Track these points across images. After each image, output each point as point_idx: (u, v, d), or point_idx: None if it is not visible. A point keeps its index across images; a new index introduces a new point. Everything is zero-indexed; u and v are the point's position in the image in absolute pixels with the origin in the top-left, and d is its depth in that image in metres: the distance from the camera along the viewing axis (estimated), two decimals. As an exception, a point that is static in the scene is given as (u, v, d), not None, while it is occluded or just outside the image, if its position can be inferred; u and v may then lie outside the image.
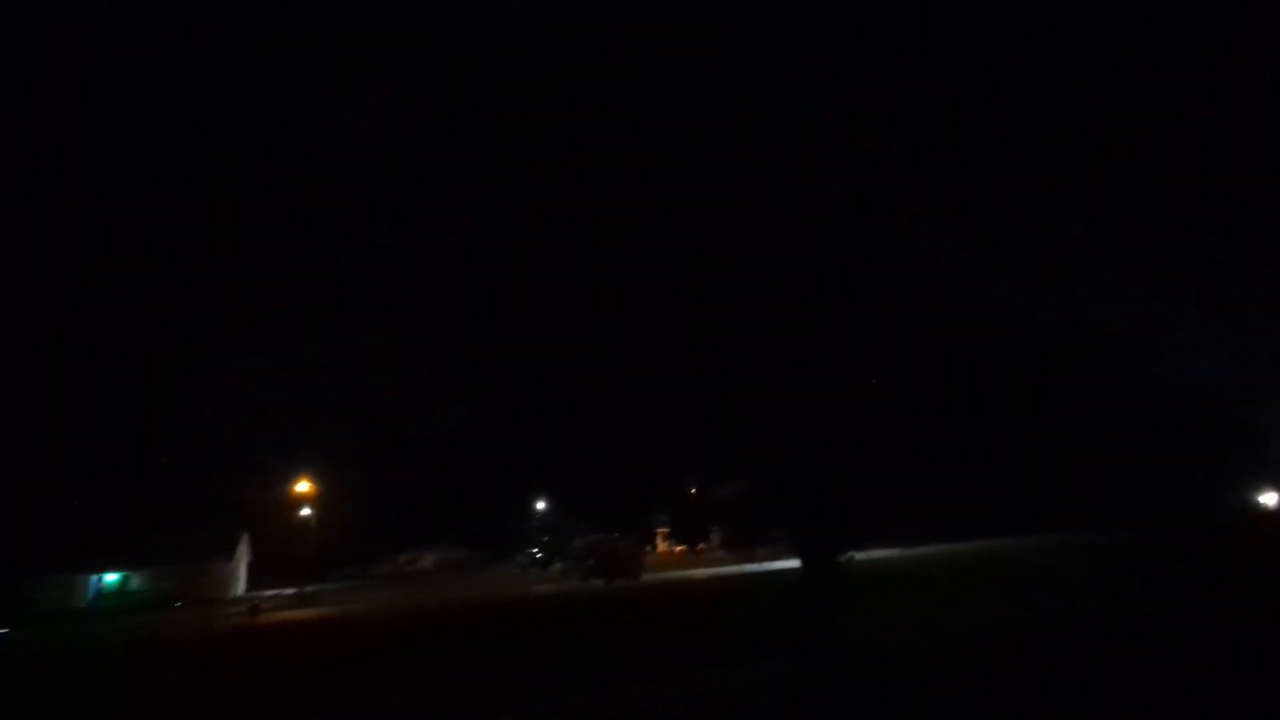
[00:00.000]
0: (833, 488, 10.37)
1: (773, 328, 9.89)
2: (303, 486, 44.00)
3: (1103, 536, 27.76)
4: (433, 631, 16.85)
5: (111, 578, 40.38)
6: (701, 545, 48.54)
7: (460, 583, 37.95)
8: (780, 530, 16.43)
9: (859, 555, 15.78)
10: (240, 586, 45.94)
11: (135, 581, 40.75)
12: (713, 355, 10.38)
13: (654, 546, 52.83)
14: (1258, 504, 41.92)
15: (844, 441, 10.06)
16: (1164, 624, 9.85)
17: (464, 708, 8.01)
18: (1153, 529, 28.92)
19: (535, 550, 44.25)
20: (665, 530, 55.44)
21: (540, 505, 56.38)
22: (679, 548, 52.20)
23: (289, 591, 39.54)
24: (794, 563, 17.92)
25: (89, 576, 39.85)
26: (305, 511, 43.84)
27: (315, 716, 8.57)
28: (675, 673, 8.91)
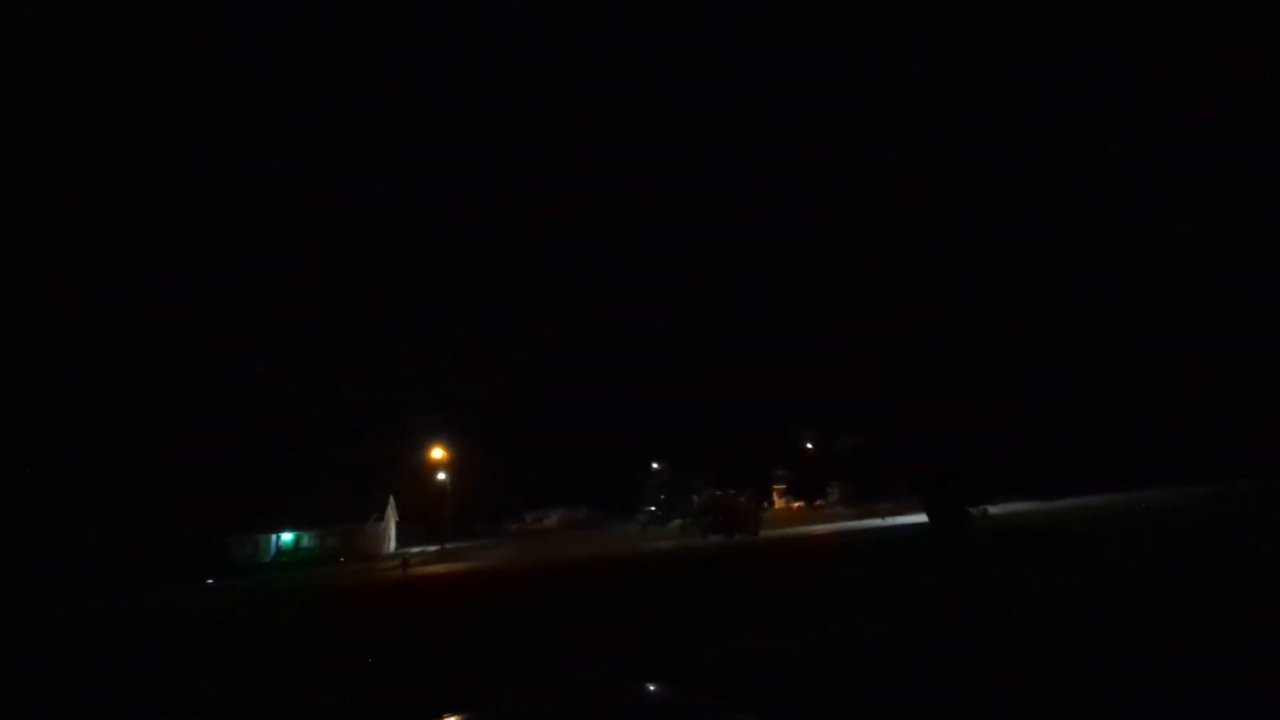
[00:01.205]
0: (962, 437, 9.83)
1: (888, 268, 9.43)
2: (438, 453, 47.80)
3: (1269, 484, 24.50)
4: (565, 584, 17.93)
5: (287, 537, 46.02)
6: (820, 501, 47.84)
7: (584, 540, 39.85)
8: (904, 484, 15.88)
9: (993, 509, 14.98)
10: (391, 544, 50.83)
11: (306, 540, 46.20)
12: (828, 300, 10.06)
13: (771, 503, 52.66)
14: None
15: (974, 386, 9.48)
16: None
17: (595, 654, 8.53)
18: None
19: (654, 507, 45.44)
20: (782, 486, 55.03)
21: (657, 464, 57.69)
22: (797, 503, 51.74)
23: (433, 548, 43.37)
24: (920, 518, 17.38)
25: (270, 536, 45.66)
26: (441, 476, 47.66)
27: (468, 656, 9.46)
28: (796, 625, 8.99)
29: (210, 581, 34.65)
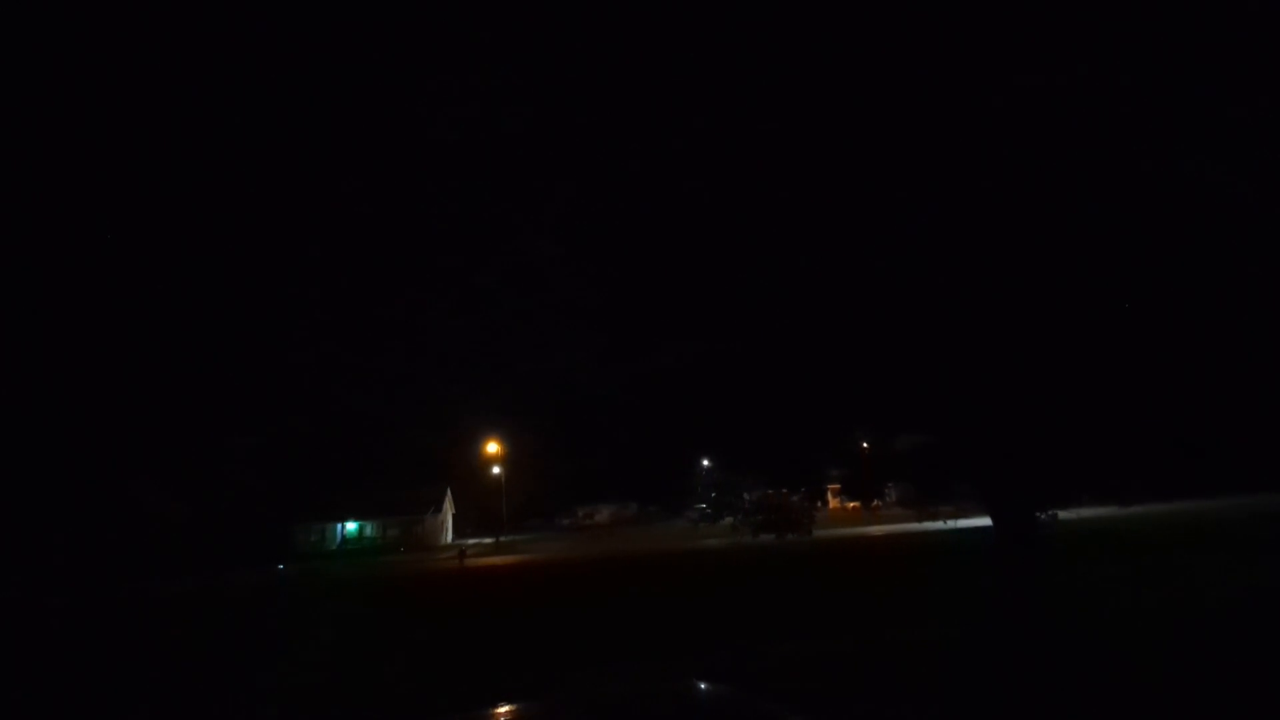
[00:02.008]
0: (1029, 435, 9.34)
1: (951, 249, 9.03)
2: (492, 448, 48.91)
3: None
4: (617, 579, 18.03)
5: (351, 526, 47.91)
6: (876, 502, 46.64)
7: (634, 536, 40.04)
8: (967, 485, 15.25)
9: (1064, 514, 14.20)
10: (448, 535, 52.27)
11: (369, 529, 47.99)
12: (887, 286, 9.70)
13: (825, 502, 51.67)
14: None
15: (1043, 381, 8.97)
16: None
17: (642, 651, 8.51)
18: None
19: (705, 505, 45.25)
20: (837, 486, 53.91)
21: (707, 461, 57.39)
22: (852, 504, 50.60)
23: (488, 540, 44.39)
24: (984, 521, 16.62)
25: (336, 525, 47.64)
26: (496, 470, 48.74)
27: (524, 647, 9.61)
28: (848, 629, 8.76)
29: (281, 567, 36.39)
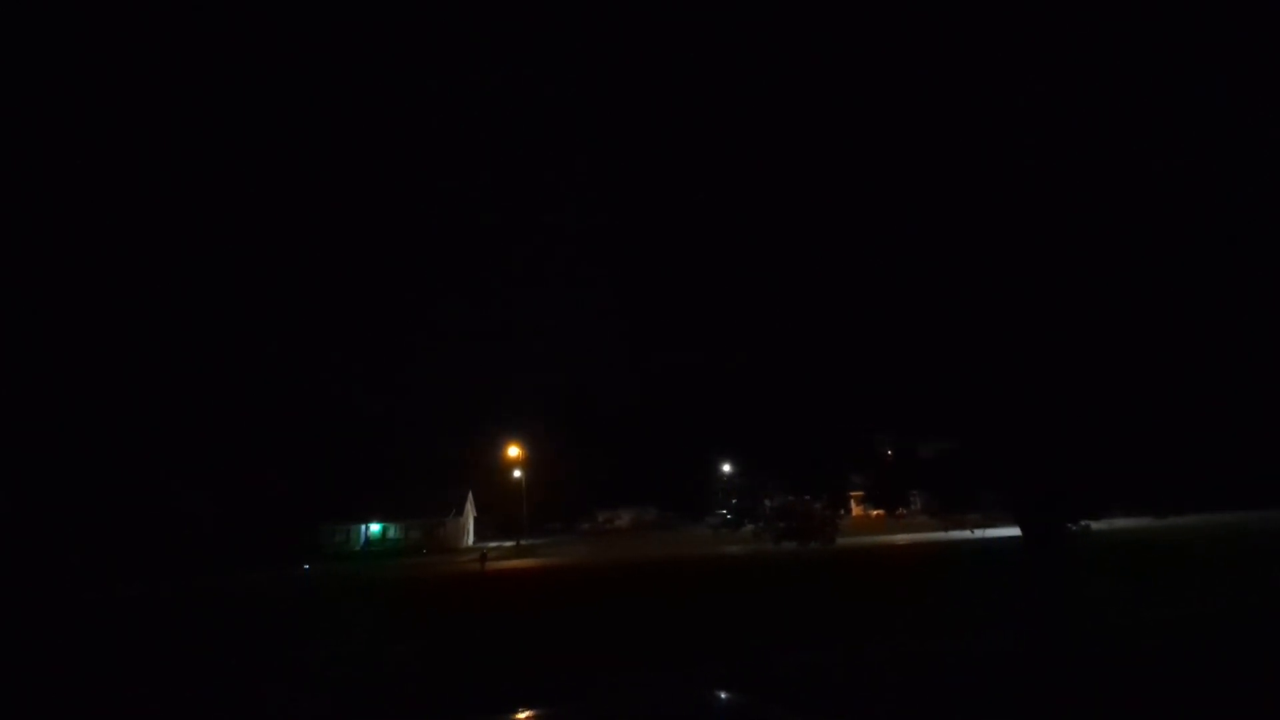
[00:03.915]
0: (1060, 443, 9.08)
1: (983, 257, 8.87)
2: (513, 451, 49.21)
3: None
4: (636, 585, 17.96)
5: (375, 528, 48.47)
6: (901, 510, 45.93)
7: (654, 541, 39.89)
8: (995, 494, 14.95)
9: (1095, 525, 13.85)
10: (469, 538, 52.60)
11: (392, 531, 48.50)
12: (913, 291, 9.56)
13: (849, 510, 51.04)
14: None
15: (1075, 388, 8.75)
16: None
17: (661, 658, 8.45)
18: None
19: (726, 511, 44.95)
20: (860, 493, 53.24)
21: (728, 467, 57.05)
22: (875, 512, 49.88)
23: (509, 544, 44.59)
24: (1013, 531, 16.29)
25: (360, 526, 48.23)
26: (517, 473, 49.00)
27: (543, 652, 9.60)
28: (868, 640, 8.59)
29: (306, 566, 36.91)
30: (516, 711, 2.51)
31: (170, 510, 37.16)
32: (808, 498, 31.05)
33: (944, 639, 8.45)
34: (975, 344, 9.03)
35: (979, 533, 25.91)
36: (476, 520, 55.04)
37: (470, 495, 53.57)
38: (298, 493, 44.37)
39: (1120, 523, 23.77)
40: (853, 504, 53.13)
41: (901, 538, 28.74)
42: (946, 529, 29.73)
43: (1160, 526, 23.96)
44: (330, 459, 47.77)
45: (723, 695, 2.67)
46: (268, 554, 37.43)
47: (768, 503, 33.03)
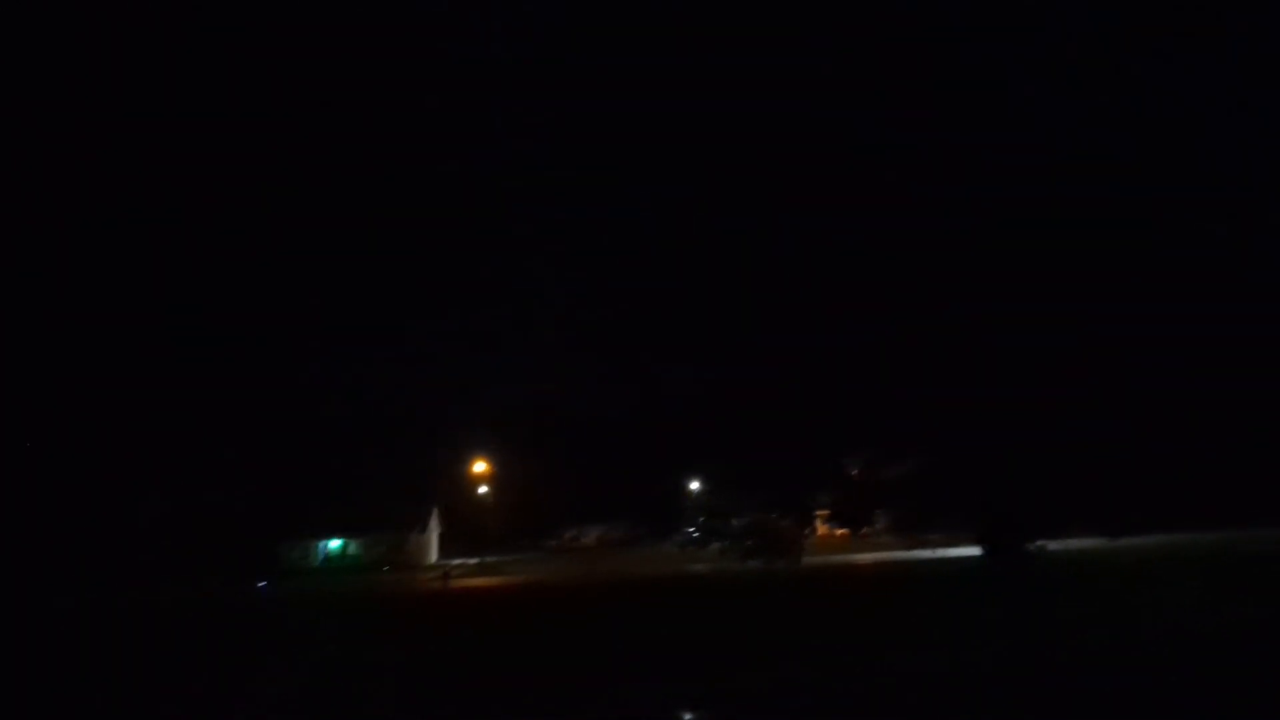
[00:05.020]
0: (1021, 466, 9.36)
1: (947, 292, 9.13)
2: (480, 467, 48.56)
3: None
4: (602, 604, 17.79)
5: (335, 543, 47.23)
6: (865, 529, 46.47)
7: (621, 559, 39.61)
8: (956, 514, 15.27)
9: (1052, 545, 14.25)
10: (433, 555, 51.53)
11: (352, 547, 47.31)
12: (884, 323, 9.79)
13: (814, 529, 51.41)
14: None
15: (1035, 415, 9.05)
16: None
17: (625, 678, 8.36)
18: None
19: (693, 529, 44.91)
20: (825, 512, 53.68)
21: (696, 485, 57.08)
22: (840, 531, 50.36)
23: (473, 561, 43.80)
24: (973, 550, 16.62)
25: (319, 541, 46.95)
26: (483, 490, 48.33)
27: (504, 673, 9.42)
28: (834, 658, 8.65)
29: (263, 583, 35.70)
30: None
31: (123, 522, 35.73)
32: (775, 516, 31.23)
33: (906, 657, 8.55)
34: (940, 373, 9.28)
35: (940, 552, 26.40)
36: (441, 536, 53.99)
37: (435, 511, 52.58)
38: (257, 506, 43.05)
39: (1075, 543, 24.44)
40: (818, 523, 53.54)
41: (866, 557, 29.05)
42: (909, 548, 30.23)
43: (1112, 548, 24.67)
44: (291, 472, 46.50)
45: (687, 717, 2.66)
46: (222, 569, 36.13)
47: (735, 521, 33.11)
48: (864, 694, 7.04)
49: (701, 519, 45.18)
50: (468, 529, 50.66)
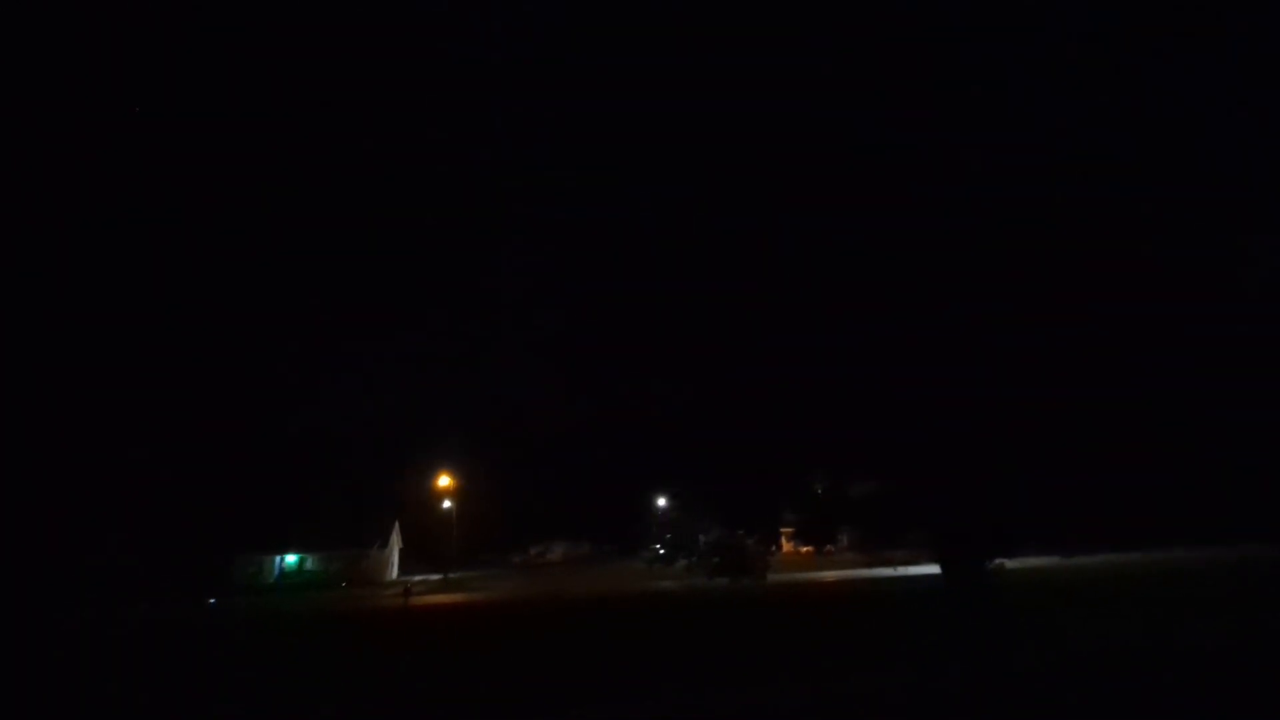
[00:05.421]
0: (979, 488, 9.64)
1: (912, 309, 9.40)
2: (444, 481, 47.73)
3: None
4: (566, 621, 17.61)
5: (291, 559, 45.77)
6: (829, 547, 46.95)
7: (587, 575, 39.27)
8: (918, 533, 15.58)
9: (1010, 563, 14.62)
10: (394, 571, 50.34)
11: (310, 563, 45.92)
12: (844, 340, 10.02)
13: (779, 546, 51.73)
14: None
15: (993, 437, 9.34)
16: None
17: (589, 698, 8.32)
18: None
19: (659, 546, 44.81)
20: (790, 530, 54.10)
21: (663, 501, 57.03)
22: (805, 548, 50.79)
23: (435, 577, 42.91)
24: (933, 569, 16.91)
25: (274, 557, 45.44)
26: (446, 504, 47.48)
27: (463, 694, 9.27)
28: (800, 677, 8.73)
29: (213, 601, 34.41)
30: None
31: (66, 539, 34.08)
32: (741, 533, 31.39)
33: (870, 675, 8.67)
34: (904, 393, 9.53)
35: (902, 570, 26.84)
36: (403, 552, 52.79)
37: (397, 526, 51.44)
38: (208, 521, 41.49)
39: (1032, 561, 25.10)
40: (784, 540, 53.92)
41: (830, 575, 29.36)
42: (872, 566, 30.59)
43: (1066, 566, 25.39)
44: (245, 485, 45.01)
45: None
46: (170, 586, 34.71)
47: (702, 538, 33.18)
48: (829, 714, 7.12)
49: (668, 536, 45.12)
50: (431, 545, 49.64)
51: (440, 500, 48.08)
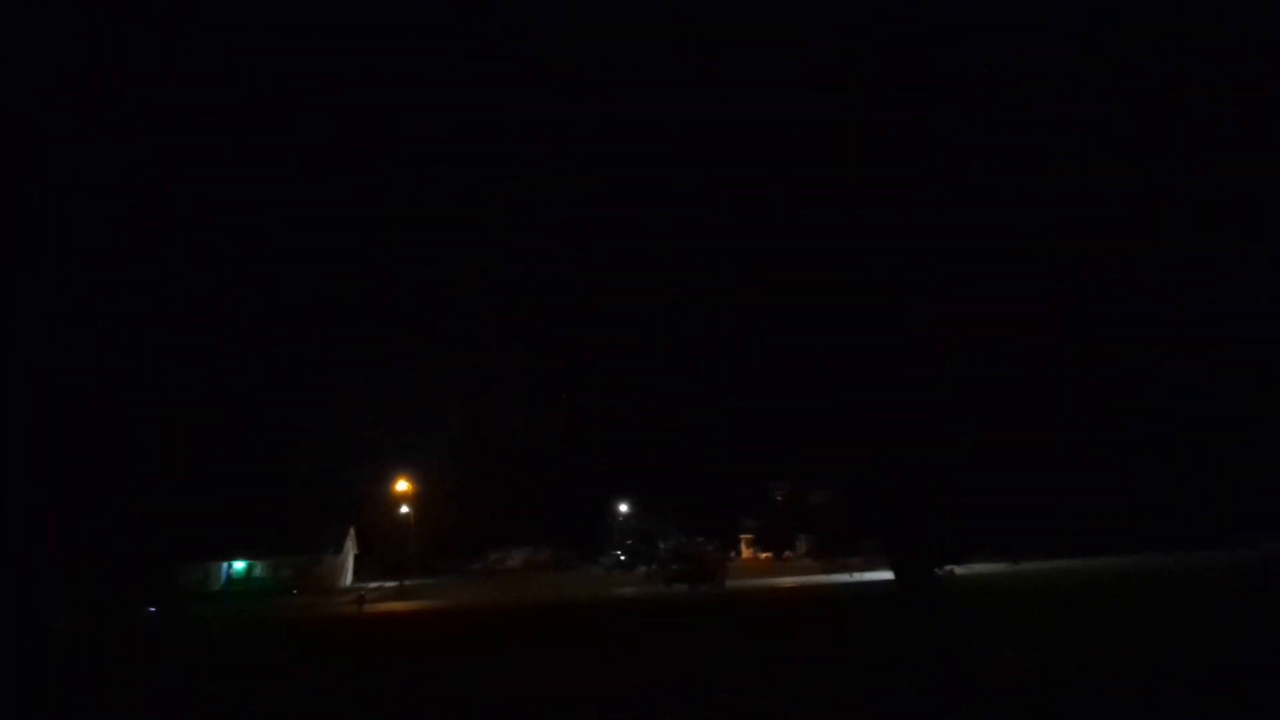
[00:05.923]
0: (929, 497, 9.94)
1: (864, 318, 9.64)
2: (402, 486, 46.70)
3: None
4: (526, 629, 17.45)
5: (239, 565, 44.23)
6: (787, 553, 47.54)
7: (547, 582, 38.97)
8: (873, 540, 15.94)
9: (958, 569, 15.08)
10: (348, 578, 49.08)
11: (259, 569, 44.45)
12: (803, 350, 10.21)
13: (738, 552, 52.21)
14: None
15: (942, 447, 9.65)
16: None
17: (546, 708, 8.28)
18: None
19: (619, 552, 44.78)
20: (749, 536, 54.65)
21: (624, 508, 57.00)
22: (764, 554, 51.36)
23: (390, 584, 41.97)
24: (887, 574, 17.29)
25: (221, 564, 43.84)
26: (404, 510, 46.50)
27: (410, 699, 9.12)
28: (764, 681, 8.84)
29: (153, 610, 33.02)
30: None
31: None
32: (700, 540, 31.60)
33: (828, 677, 8.82)
34: (859, 404, 9.77)
35: (857, 576, 27.35)
36: (358, 559, 51.49)
37: (352, 532, 50.19)
38: (151, 526, 39.77)
39: (979, 568, 25.88)
40: (743, 546, 54.43)
41: (788, 580, 29.75)
42: (828, 572, 31.08)
43: (1013, 572, 26.24)
44: (192, 489, 43.34)
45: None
46: (108, 595, 33.15)
47: (662, 545, 33.28)
48: (786, 714, 7.23)
49: (628, 542, 45.12)
50: (387, 551, 48.53)
51: (398, 505, 47.06)
